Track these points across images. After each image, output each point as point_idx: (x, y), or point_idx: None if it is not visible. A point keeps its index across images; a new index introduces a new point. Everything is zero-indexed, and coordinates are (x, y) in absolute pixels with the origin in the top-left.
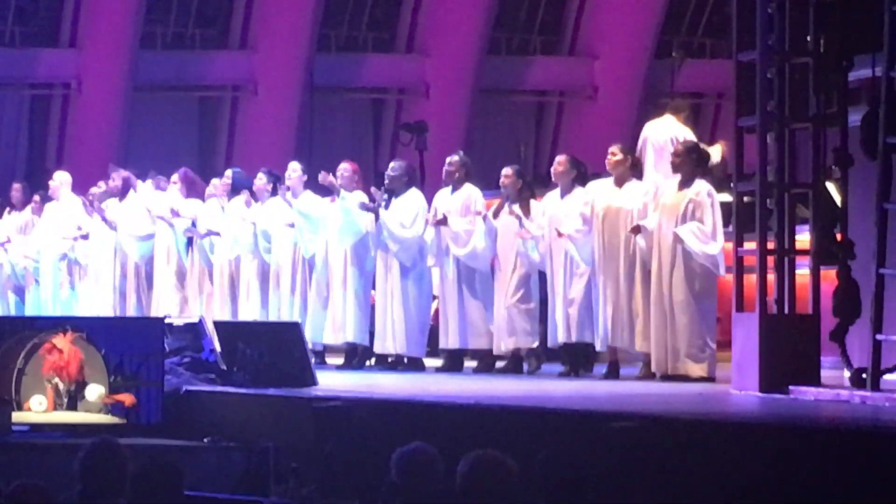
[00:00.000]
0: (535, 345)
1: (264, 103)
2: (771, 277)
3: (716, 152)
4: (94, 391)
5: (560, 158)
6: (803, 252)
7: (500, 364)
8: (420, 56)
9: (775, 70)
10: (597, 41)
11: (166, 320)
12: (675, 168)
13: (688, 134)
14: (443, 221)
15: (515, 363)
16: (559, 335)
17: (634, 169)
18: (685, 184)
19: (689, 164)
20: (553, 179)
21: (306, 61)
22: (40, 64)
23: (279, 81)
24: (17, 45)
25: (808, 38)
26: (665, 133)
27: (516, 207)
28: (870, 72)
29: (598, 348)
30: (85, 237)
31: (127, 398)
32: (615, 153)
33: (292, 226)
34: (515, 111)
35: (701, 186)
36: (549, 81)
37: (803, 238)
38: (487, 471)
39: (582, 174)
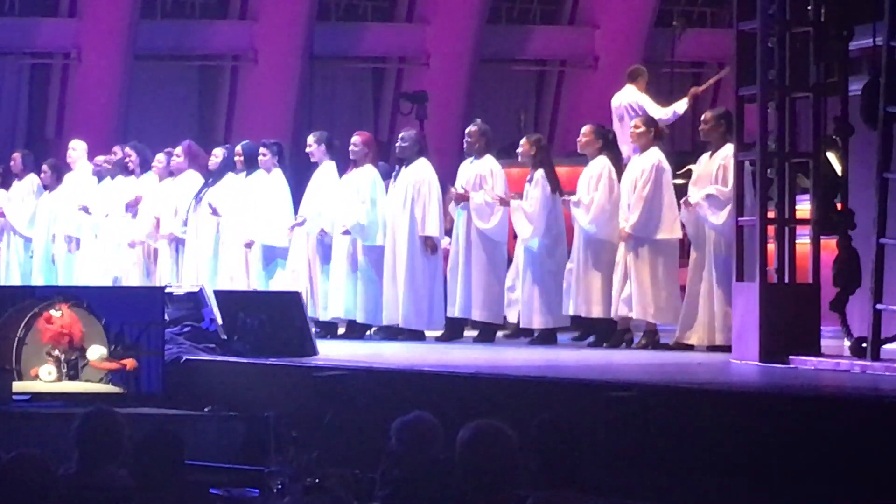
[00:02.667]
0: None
1: (264, 72)
2: (771, 247)
3: (681, 105)
4: (96, 352)
5: (585, 129)
6: (804, 221)
7: (501, 333)
8: (420, 25)
9: (776, 39)
10: (597, 10)
11: (167, 290)
12: (705, 135)
13: (644, 101)
14: (463, 198)
15: (519, 333)
16: (573, 307)
17: (658, 139)
18: (716, 150)
19: (718, 130)
20: (579, 149)
21: (306, 30)
22: (40, 33)
23: (279, 50)
24: (16, 15)
25: (809, 8)
26: (622, 102)
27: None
28: (870, 41)
29: (636, 316)
30: (85, 210)
31: (129, 362)
32: (637, 125)
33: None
34: (516, 80)
35: (730, 150)
36: (549, 51)
37: (804, 207)
38: (487, 440)
39: (610, 142)
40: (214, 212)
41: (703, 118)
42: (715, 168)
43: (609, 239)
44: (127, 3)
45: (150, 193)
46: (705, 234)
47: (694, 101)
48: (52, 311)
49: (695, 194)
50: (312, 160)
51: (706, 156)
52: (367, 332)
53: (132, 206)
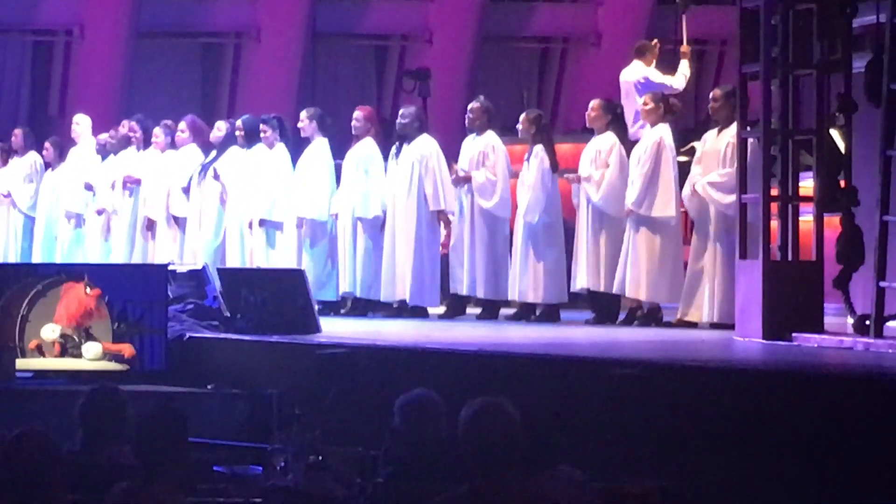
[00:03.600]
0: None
1: (267, 50)
2: (775, 224)
3: (684, 67)
4: (92, 349)
5: (593, 103)
6: (807, 199)
7: (505, 311)
8: (423, 2)
9: (779, 16)
10: None
11: (170, 267)
12: (714, 113)
13: (652, 74)
14: (465, 179)
15: (523, 311)
16: (582, 282)
17: (669, 114)
18: (724, 129)
19: (727, 108)
20: (587, 124)
21: (309, 7)
22: (43, 10)
23: (282, 28)
24: None
25: None
26: (629, 78)
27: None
28: (874, 18)
29: (628, 294)
30: (89, 187)
31: (126, 349)
32: (647, 102)
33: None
34: (519, 58)
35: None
36: (552, 28)
37: (807, 185)
38: (489, 418)
39: (618, 117)
40: (217, 177)
41: (711, 95)
42: (724, 146)
43: (618, 215)
44: None
45: (153, 168)
46: (708, 213)
47: (689, 58)
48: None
49: (699, 182)
50: (303, 135)
51: (713, 133)
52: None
53: (129, 184)
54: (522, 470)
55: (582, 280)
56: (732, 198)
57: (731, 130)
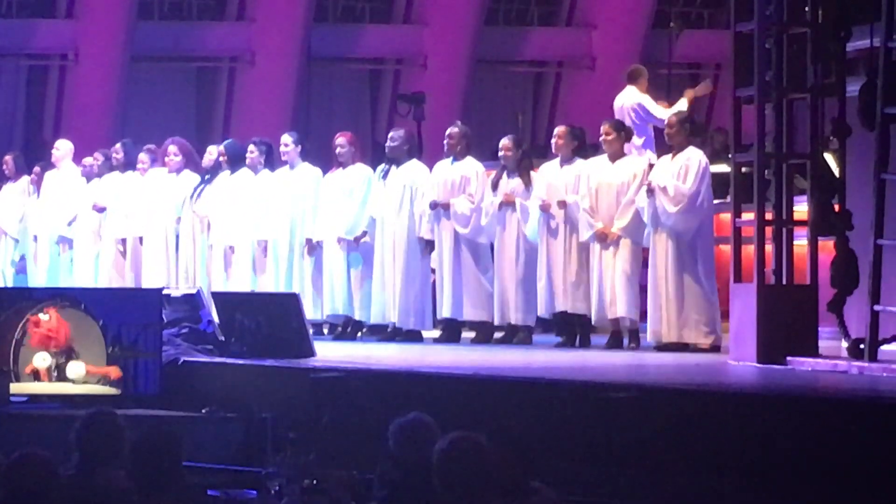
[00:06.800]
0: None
1: (262, 74)
2: (769, 248)
3: (683, 104)
4: (75, 369)
5: (559, 130)
6: (801, 223)
7: (498, 335)
8: (418, 26)
9: (773, 40)
10: (595, 11)
11: (164, 291)
12: (669, 139)
13: (646, 102)
14: (443, 206)
15: (513, 334)
16: (557, 304)
17: (628, 141)
18: (677, 154)
19: (682, 133)
20: (553, 150)
21: (304, 32)
22: (37, 34)
23: (277, 52)
24: (14, 16)
25: (806, 9)
26: (623, 104)
27: (514, 181)
28: (868, 42)
29: (593, 321)
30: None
31: (112, 371)
32: (609, 132)
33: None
34: (513, 82)
35: (692, 153)
36: (546, 52)
37: (801, 209)
38: (462, 453)
39: (581, 144)
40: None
41: (667, 122)
42: (677, 169)
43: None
44: (124, 4)
45: (137, 190)
46: (660, 231)
47: (692, 101)
48: (41, 315)
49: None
50: (284, 159)
51: (667, 157)
52: (359, 333)
53: (96, 211)
54: (507, 495)
55: (549, 304)
56: (676, 209)
57: (686, 154)
